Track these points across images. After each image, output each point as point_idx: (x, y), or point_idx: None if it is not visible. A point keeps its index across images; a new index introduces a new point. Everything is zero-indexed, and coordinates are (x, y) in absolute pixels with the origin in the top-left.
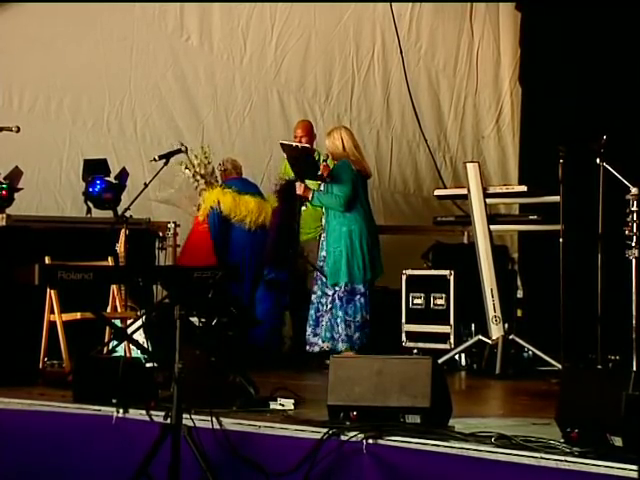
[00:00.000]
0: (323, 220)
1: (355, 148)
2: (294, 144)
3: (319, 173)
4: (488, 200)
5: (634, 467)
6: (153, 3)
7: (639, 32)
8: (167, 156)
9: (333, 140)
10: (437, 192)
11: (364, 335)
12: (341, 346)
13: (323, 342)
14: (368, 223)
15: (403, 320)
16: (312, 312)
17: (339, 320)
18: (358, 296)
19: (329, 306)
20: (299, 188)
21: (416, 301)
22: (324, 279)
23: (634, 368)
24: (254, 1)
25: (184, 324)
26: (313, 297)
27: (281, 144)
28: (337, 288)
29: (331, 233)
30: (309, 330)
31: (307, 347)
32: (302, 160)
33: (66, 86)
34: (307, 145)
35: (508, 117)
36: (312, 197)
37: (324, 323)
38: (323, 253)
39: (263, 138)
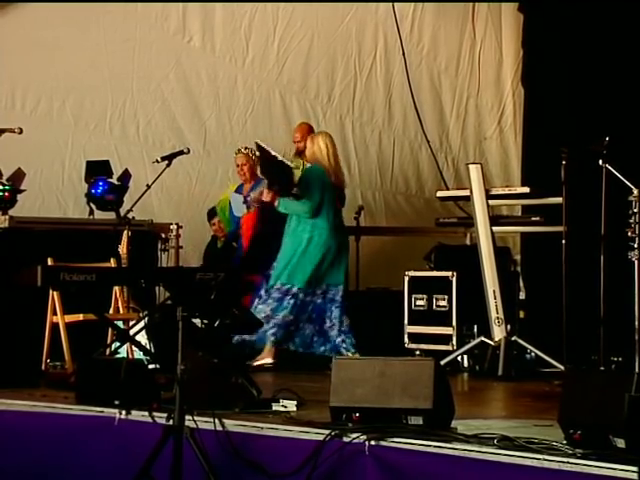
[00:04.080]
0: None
1: (334, 157)
2: (278, 156)
3: (294, 191)
4: (490, 201)
5: (637, 469)
6: (155, 4)
7: None
8: (169, 157)
9: (317, 145)
10: (439, 193)
11: (281, 333)
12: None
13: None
14: (335, 235)
15: (405, 321)
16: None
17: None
18: (289, 297)
19: (264, 297)
20: (267, 195)
21: (418, 302)
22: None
23: (637, 369)
24: (257, 1)
25: (186, 326)
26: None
27: (257, 145)
28: (279, 287)
29: (291, 237)
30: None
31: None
32: (278, 173)
33: (69, 88)
34: (290, 164)
35: (510, 118)
36: (278, 204)
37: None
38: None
39: (265, 139)
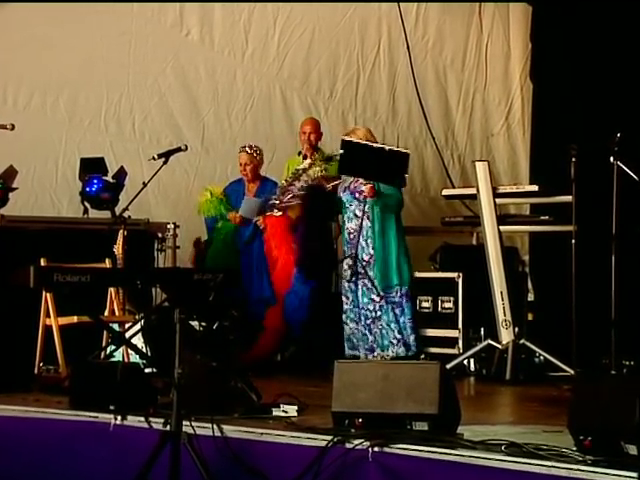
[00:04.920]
0: (350, 223)
1: None
2: (384, 146)
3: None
4: (498, 200)
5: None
6: None
7: None
8: (166, 154)
9: (367, 139)
10: (445, 192)
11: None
12: (401, 351)
13: (382, 350)
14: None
15: None
16: (362, 321)
17: (393, 325)
18: (406, 298)
19: (378, 313)
20: (369, 190)
21: (423, 304)
22: (368, 286)
23: None
24: (254, 1)
25: (184, 328)
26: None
27: (346, 142)
28: (389, 292)
29: (379, 239)
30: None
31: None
32: (389, 164)
33: (62, 83)
34: (407, 151)
35: (518, 113)
36: (377, 200)
37: (377, 330)
38: (365, 257)
39: (265, 136)
